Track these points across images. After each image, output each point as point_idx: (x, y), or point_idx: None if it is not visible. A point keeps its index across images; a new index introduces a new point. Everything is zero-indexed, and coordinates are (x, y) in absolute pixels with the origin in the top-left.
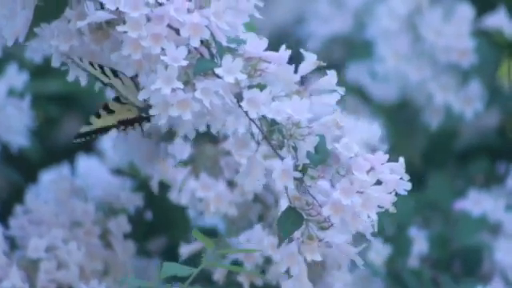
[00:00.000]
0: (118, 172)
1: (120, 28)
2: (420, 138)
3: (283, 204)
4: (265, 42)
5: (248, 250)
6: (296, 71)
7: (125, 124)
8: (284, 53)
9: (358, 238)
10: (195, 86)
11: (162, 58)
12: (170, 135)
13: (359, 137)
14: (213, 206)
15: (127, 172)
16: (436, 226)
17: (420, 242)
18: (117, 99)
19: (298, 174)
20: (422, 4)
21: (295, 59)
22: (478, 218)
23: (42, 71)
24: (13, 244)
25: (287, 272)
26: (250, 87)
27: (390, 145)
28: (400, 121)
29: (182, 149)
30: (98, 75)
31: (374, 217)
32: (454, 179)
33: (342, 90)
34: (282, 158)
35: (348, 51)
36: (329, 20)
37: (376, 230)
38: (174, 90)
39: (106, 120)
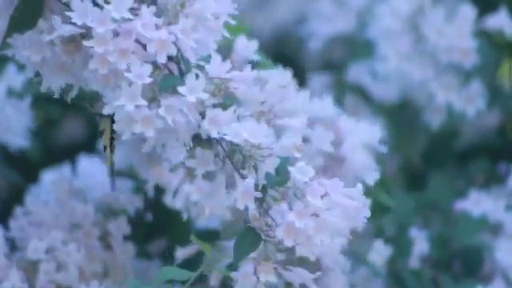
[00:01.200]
0: (118, 173)
1: (87, 43)
2: (421, 138)
3: None
4: (228, 64)
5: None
6: (294, 74)
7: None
8: (249, 73)
9: (358, 238)
10: (160, 103)
11: (126, 75)
12: None
13: (359, 138)
14: (208, 209)
15: (127, 173)
16: (436, 227)
17: (420, 243)
18: None
19: (259, 195)
20: (425, 4)
21: (295, 59)
22: (478, 218)
23: None
24: (13, 245)
25: None
26: (214, 106)
27: (391, 145)
28: (401, 121)
29: (177, 152)
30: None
31: (328, 241)
32: (454, 179)
33: (305, 116)
34: (243, 178)
35: (349, 51)
36: (331, 19)
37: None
38: (138, 106)
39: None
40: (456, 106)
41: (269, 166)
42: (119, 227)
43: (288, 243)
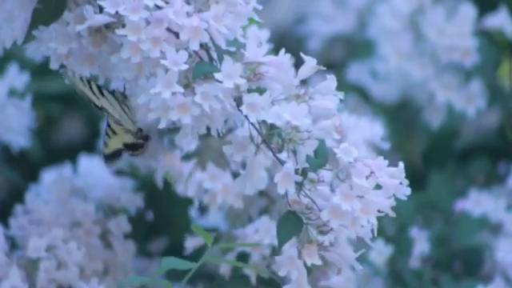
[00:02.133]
0: (118, 172)
1: (119, 31)
2: (421, 137)
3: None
4: (264, 48)
5: (252, 244)
6: (296, 72)
7: (129, 149)
8: (283, 57)
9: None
10: (195, 90)
11: (162, 62)
12: (175, 128)
13: (361, 135)
14: (220, 197)
15: (128, 172)
16: (437, 226)
17: (421, 242)
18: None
19: (299, 178)
20: (425, 3)
21: (295, 58)
22: (478, 217)
23: (42, 70)
24: (13, 244)
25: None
26: (249, 91)
27: (391, 144)
28: (401, 120)
29: (189, 140)
30: (88, 93)
31: (374, 221)
32: (454, 179)
33: (341, 95)
34: (281, 162)
35: (349, 50)
36: (331, 19)
37: (375, 234)
38: (173, 93)
39: (115, 142)
40: (456, 105)
41: (308, 148)
42: (119, 226)
43: (334, 225)
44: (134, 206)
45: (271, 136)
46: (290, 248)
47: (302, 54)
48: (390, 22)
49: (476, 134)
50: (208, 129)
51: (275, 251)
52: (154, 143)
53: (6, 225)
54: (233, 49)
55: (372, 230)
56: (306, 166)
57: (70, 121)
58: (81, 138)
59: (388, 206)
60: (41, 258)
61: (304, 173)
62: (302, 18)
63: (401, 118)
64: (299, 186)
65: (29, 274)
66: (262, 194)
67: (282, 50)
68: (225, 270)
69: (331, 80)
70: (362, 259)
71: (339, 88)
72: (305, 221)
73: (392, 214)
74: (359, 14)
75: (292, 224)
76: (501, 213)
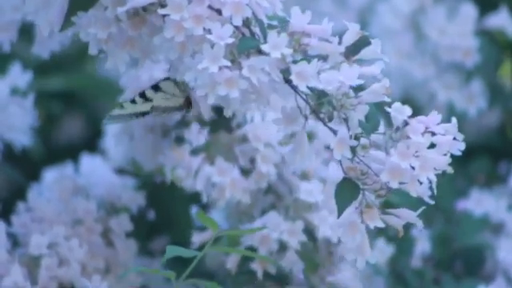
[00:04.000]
0: (120, 171)
1: (162, 11)
2: None
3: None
4: (308, 15)
5: (258, 228)
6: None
7: (159, 111)
8: (327, 25)
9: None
10: (241, 65)
11: (208, 36)
12: (183, 123)
13: None
14: (228, 191)
15: (130, 171)
16: (438, 226)
17: (422, 242)
18: (154, 87)
19: (355, 143)
20: (426, 3)
21: None
22: (480, 217)
23: (44, 68)
24: (15, 241)
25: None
26: (294, 62)
27: None
28: None
29: (198, 135)
30: (139, 108)
31: (434, 179)
32: (455, 179)
33: (386, 58)
34: (332, 131)
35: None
36: (332, 19)
37: (435, 193)
38: (220, 68)
39: (141, 106)
40: (457, 105)
41: (360, 113)
42: (121, 224)
43: (393, 185)
44: (136, 204)
45: (321, 105)
46: (350, 214)
47: (344, 21)
48: (390, 22)
49: (477, 133)
50: (217, 122)
51: (282, 247)
52: (155, 144)
53: (8, 222)
54: (275, 22)
55: (431, 188)
56: (358, 131)
57: (71, 119)
58: (82, 137)
59: (445, 163)
60: (42, 255)
61: (357, 138)
62: None
63: None
64: (353, 151)
65: (30, 271)
66: (268, 190)
67: (326, 19)
68: (232, 263)
69: (376, 44)
70: None
71: None
72: (361, 186)
73: (450, 171)
74: (360, 14)
75: (349, 190)
76: (502, 212)
